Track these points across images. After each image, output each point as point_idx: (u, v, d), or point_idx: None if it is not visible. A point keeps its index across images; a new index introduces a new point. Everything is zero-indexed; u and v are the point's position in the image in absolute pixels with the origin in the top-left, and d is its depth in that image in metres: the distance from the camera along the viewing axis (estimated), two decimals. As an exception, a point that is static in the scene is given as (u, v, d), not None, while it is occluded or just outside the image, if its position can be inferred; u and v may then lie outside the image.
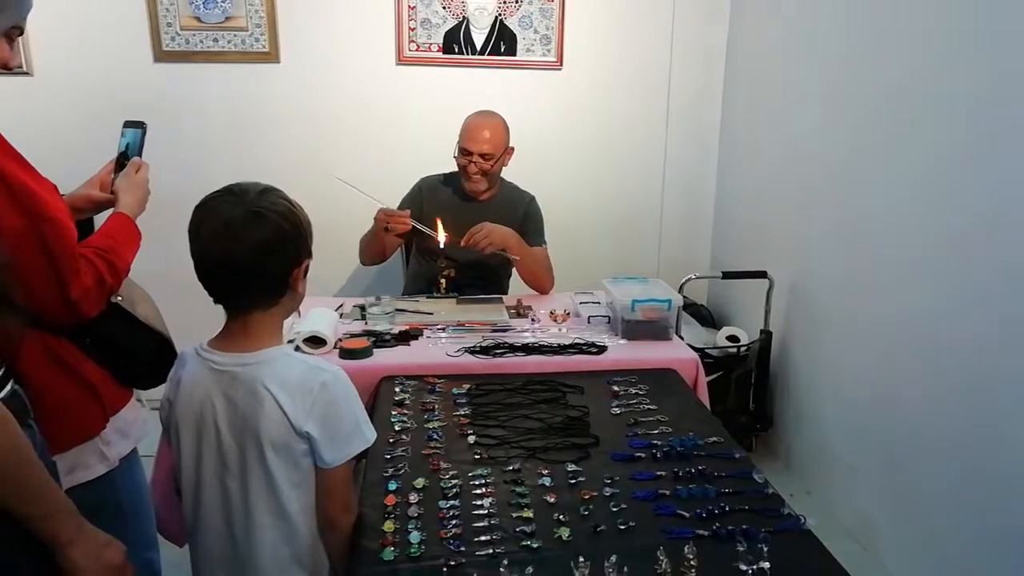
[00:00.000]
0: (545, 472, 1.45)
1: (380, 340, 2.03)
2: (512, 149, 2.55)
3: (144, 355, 1.36)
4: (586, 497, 1.36)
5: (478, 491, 1.38)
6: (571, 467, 1.46)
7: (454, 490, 1.38)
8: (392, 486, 1.39)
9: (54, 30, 2.94)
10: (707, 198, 3.48)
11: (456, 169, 2.57)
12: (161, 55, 3.03)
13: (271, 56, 3.07)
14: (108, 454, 1.31)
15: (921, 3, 2.05)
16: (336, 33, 3.09)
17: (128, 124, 1.50)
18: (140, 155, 1.48)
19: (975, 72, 1.85)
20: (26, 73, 2.97)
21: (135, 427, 1.38)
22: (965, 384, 1.90)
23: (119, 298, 1.33)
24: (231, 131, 3.15)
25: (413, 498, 1.35)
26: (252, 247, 1.18)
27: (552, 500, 1.35)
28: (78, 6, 2.95)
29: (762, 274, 2.80)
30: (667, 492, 1.38)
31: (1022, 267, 1.71)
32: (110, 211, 1.41)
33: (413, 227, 2.35)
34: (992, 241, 1.81)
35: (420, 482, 1.40)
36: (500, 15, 3.13)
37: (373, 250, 2.54)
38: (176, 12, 2.99)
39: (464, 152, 2.48)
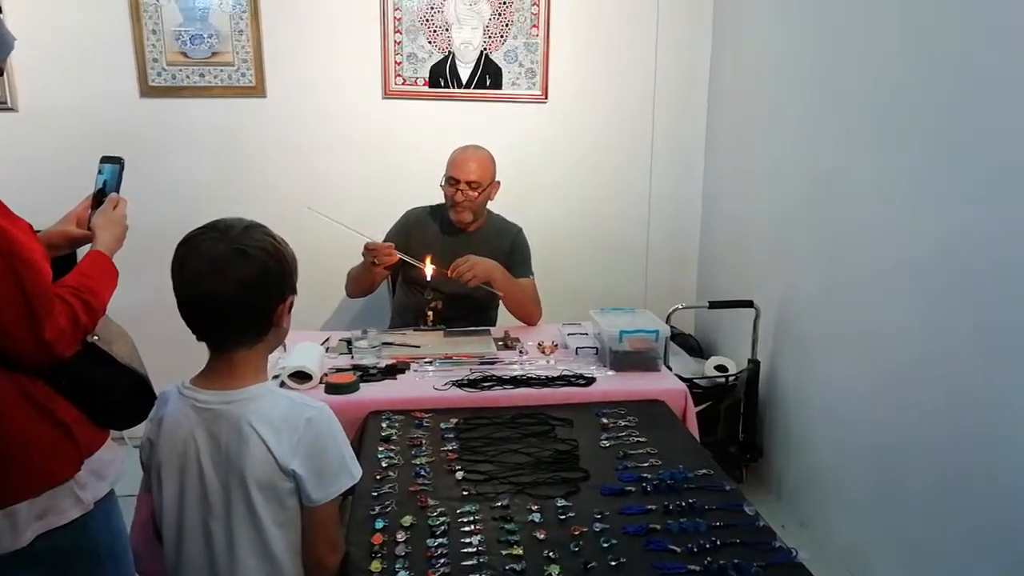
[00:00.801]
0: (534, 508, 1.43)
1: (367, 374, 2.01)
2: (498, 183, 2.57)
3: (120, 395, 1.33)
4: (576, 533, 1.35)
5: (466, 528, 1.36)
6: (561, 502, 1.45)
7: (442, 527, 1.36)
8: (379, 524, 1.37)
9: (39, 65, 2.95)
10: (692, 228, 3.51)
11: (443, 201, 2.57)
12: (147, 90, 3.03)
13: (257, 90, 3.09)
14: (83, 497, 1.28)
15: (895, 26, 2.08)
16: (322, 67, 3.11)
17: (105, 160, 1.48)
18: (118, 191, 1.46)
19: (948, 92, 1.88)
20: (11, 109, 2.96)
21: (112, 468, 1.35)
22: (955, 412, 1.90)
23: (95, 337, 1.30)
24: (217, 165, 3.15)
25: (400, 536, 1.33)
26: (236, 285, 1.17)
27: (542, 536, 1.33)
28: (63, 42, 2.96)
29: (748, 303, 2.81)
30: (658, 526, 1.37)
31: (1004, 289, 1.73)
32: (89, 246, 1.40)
33: (400, 259, 2.35)
34: (973, 263, 1.83)
35: (407, 520, 1.38)
36: (485, 49, 3.16)
37: (362, 284, 2.53)
38: (163, 48, 3.00)
39: (451, 181, 2.49)
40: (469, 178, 2.46)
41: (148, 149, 3.04)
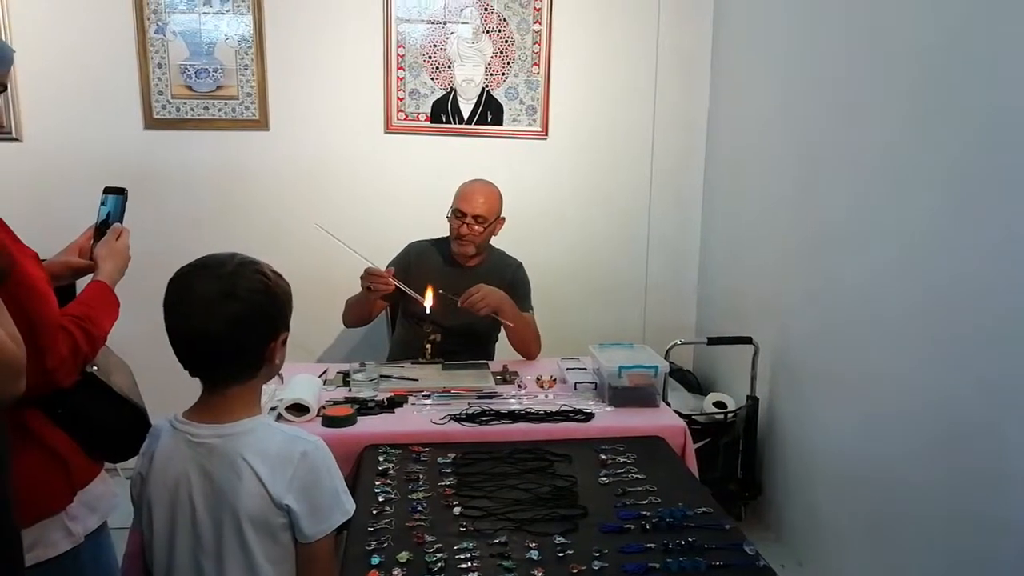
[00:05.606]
0: (533, 545, 1.41)
1: (364, 407, 2.00)
2: (503, 219, 2.59)
3: (117, 427, 1.32)
4: (575, 571, 1.33)
5: (464, 565, 1.34)
6: (559, 539, 1.43)
7: (439, 564, 1.34)
8: (375, 560, 1.35)
9: (45, 96, 2.99)
10: (691, 264, 3.52)
11: (445, 235, 2.59)
12: (152, 122, 3.07)
13: (261, 124, 3.12)
14: (73, 530, 1.26)
15: (896, 78, 2.12)
16: (325, 101, 3.15)
17: (108, 190, 1.48)
18: (121, 221, 1.47)
19: (948, 143, 1.90)
20: (16, 139, 2.99)
21: (104, 501, 1.34)
22: (954, 451, 1.89)
23: (94, 368, 1.30)
24: (219, 197, 3.17)
25: (396, 573, 1.31)
26: (226, 324, 1.17)
27: (540, 575, 1.31)
28: (69, 73, 3.00)
29: (747, 340, 2.81)
30: (657, 565, 1.35)
31: (998, 331, 1.74)
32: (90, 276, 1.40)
33: (398, 290, 2.35)
34: (968, 305, 1.83)
35: (404, 556, 1.36)
36: (487, 86, 3.21)
37: (358, 312, 2.54)
38: (168, 81, 3.04)
39: (457, 213, 2.51)
40: (476, 212, 2.48)
41: (151, 180, 3.06)
